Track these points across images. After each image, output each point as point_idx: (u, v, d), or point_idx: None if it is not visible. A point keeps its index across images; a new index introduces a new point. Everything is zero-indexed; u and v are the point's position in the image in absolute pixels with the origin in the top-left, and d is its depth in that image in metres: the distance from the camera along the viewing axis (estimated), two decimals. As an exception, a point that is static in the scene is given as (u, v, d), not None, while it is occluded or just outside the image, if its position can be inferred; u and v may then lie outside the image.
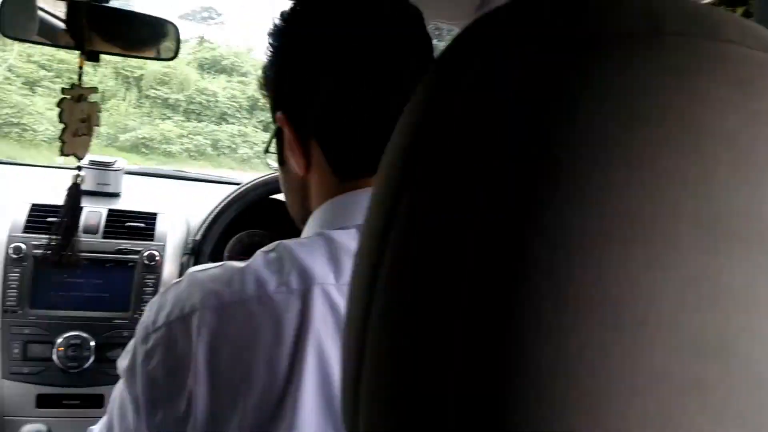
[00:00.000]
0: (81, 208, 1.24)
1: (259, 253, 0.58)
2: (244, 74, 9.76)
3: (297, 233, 0.67)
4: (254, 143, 8.54)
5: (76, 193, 1.19)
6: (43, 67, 7.29)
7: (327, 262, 0.56)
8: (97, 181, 1.49)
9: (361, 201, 0.60)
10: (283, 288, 0.54)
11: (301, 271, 0.55)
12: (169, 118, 8.39)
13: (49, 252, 1.25)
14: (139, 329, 0.58)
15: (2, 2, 1.09)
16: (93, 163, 1.48)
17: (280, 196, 1.45)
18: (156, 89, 8.51)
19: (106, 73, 7.94)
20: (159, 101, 8.59)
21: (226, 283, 0.55)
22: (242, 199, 1.35)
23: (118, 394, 0.61)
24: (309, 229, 0.65)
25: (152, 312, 0.58)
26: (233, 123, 8.97)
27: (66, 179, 1.60)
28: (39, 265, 1.32)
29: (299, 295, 0.54)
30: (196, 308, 0.54)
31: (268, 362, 0.52)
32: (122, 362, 0.60)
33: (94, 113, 1.20)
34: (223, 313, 0.53)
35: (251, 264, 0.56)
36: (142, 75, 8.17)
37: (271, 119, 0.67)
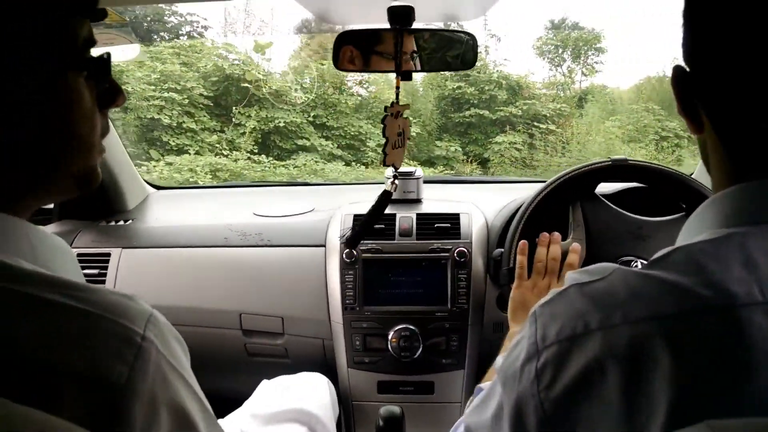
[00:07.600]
0: (383, 212, 1.34)
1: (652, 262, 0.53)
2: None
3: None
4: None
5: (386, 197, 1.31)
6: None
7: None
8: (403, 190, 1.66)
9: None
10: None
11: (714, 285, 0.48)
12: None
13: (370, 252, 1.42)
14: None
15: (334, 42, 1.27)
16: (399, 173, 1.64)
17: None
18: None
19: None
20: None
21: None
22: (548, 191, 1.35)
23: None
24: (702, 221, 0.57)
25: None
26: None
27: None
28: (367, 267, 1.50)
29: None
30: None
31: None
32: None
33: (407, 127, 1.33)
34: None
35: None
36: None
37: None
